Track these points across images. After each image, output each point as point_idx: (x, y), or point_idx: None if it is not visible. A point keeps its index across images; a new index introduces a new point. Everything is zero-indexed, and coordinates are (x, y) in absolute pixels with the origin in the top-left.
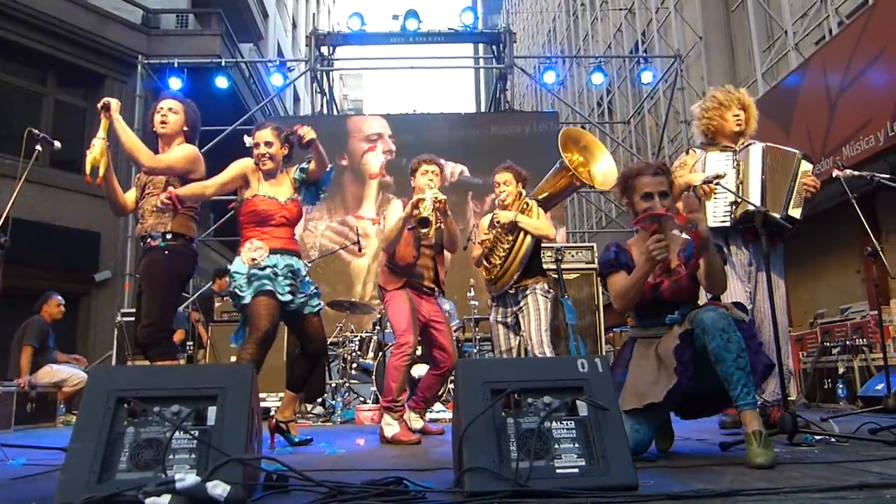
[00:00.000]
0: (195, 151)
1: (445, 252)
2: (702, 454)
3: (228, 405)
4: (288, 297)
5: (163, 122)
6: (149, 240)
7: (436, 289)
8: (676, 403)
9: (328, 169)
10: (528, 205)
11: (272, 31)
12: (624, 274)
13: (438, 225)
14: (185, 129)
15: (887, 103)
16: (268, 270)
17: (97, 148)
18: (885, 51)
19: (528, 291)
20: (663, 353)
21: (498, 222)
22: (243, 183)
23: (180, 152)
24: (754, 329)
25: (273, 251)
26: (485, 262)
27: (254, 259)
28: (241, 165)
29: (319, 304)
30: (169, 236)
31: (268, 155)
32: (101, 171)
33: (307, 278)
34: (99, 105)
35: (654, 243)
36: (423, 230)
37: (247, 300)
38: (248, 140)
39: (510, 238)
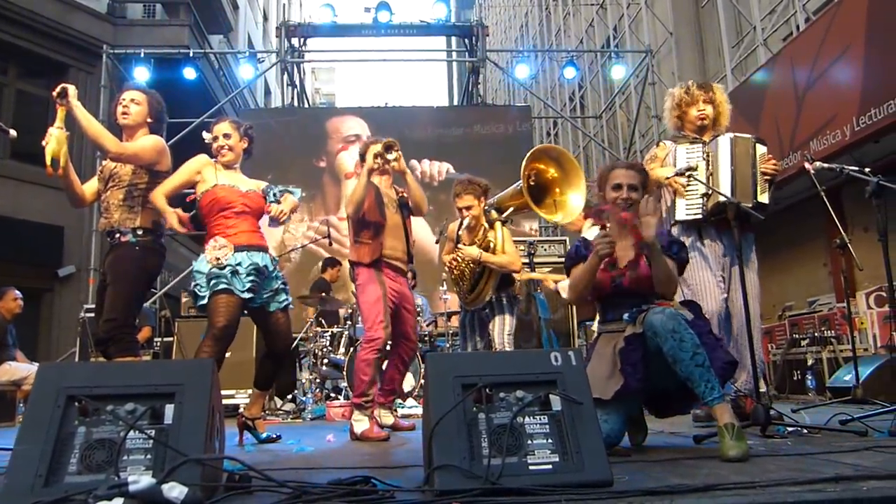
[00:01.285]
0: (161, 143)
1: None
2: (675, 447)
3: (187, 403)
4: (248, 295)
5: (124, 114)
6: (117, 235)
7: (407, 270)
8: (646, 399)
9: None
10: (490, 227)
11: (242, 23)
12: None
13: (402, 196)
14: (149, 120)
15: (853, 99)
16: (228, 269)
17: (56, 138)
18: (850, 47)
19: (494, 301)
20: (618, 352)
21: (462, 259)
22: (200, 178)
23: (147, 142)
24: (709, 326)
25: (238, 248)
26: (455, 284)
27: (217, 259)
28: (194, 163)
29: (287, 299)
30: (139, 232)
31: (227, 146)
32: (63, 162)
33: (275, 272)
34: (55, 92)
35: (599, 238)
36: (391, 156)
37: (204, 300)
38: (206, 135)
39: (477, 268)
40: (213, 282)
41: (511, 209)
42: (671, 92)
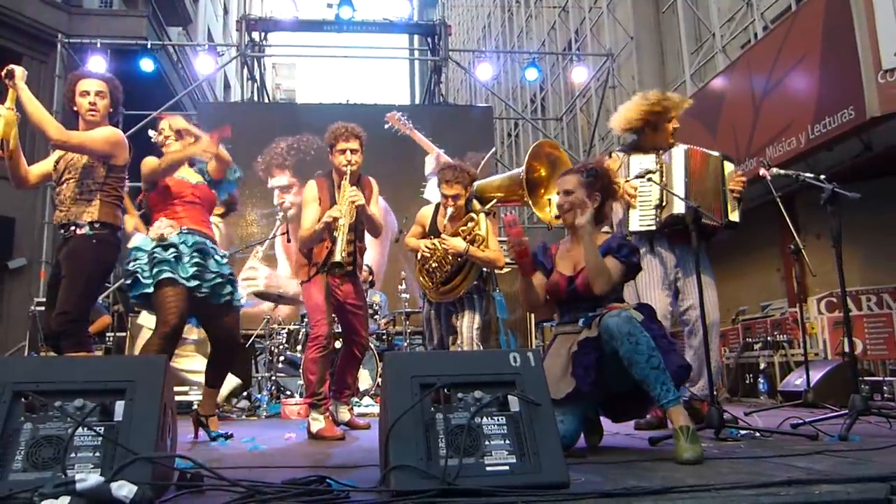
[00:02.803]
0: (117, 134)
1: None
2: (630, 449)
3: (138, 399)
4: (195, 283)
5: (92, 111)
6: (73, 227)
7: (355, 269)
8: (601, 402)
9: (234, 174)
10: (474, 219)
11: (202, 16)
12: (539, 274)
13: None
14: (110, 111)
15: (808, 107)
16: (171, 251)
17: (6, 118)
18: (806, 57)
19: (465, 297)
20: (571, 355)
21: (446, 249)
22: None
23: (98, 134)
24: (663, 330)
25: (184, 230)
26: (425, 274)
27: (161, 235)
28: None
29: (231, 292)
30: (96, 225)
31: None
32: (13, 144)
33: (223, 260)
34: (2, 73)
35: (512, 240)
36: (338, 271)
37: (149, 290)
38: (152, 133)
39: (457, 261)
40: (157, 269)
41: (495, 201)
42: (647, 96)
